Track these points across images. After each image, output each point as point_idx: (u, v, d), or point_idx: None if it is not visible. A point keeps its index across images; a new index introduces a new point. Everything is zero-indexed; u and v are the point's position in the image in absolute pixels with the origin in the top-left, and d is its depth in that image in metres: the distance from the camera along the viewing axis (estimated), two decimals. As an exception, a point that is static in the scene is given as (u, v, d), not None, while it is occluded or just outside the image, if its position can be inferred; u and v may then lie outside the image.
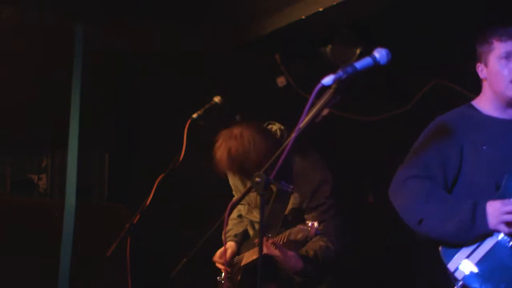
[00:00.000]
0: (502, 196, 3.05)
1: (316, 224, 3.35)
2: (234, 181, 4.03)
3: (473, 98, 3.42)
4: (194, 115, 3.75)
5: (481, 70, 3.29)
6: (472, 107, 3.36)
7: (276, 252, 3.46)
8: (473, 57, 3.35)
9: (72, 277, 4.71)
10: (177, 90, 5.57)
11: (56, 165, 5.19)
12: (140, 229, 3.70)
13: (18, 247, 4.75)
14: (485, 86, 3.32)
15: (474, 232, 3.02)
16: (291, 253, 3.49)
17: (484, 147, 3.18)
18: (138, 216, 3.68)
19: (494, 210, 3.00)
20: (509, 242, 3.01)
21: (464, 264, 3.03)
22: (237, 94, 5.02)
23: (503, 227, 2.99)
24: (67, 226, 4.71)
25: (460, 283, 3.02)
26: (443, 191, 3.22)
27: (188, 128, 3.70)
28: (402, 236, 6.04)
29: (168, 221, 5.37)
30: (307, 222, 3.39)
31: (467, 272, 3.01)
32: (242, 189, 3.91)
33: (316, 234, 3.38)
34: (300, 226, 3.40)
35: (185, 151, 3.65)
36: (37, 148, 5.21)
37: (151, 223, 4.15)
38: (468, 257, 3.04)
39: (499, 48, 3.19)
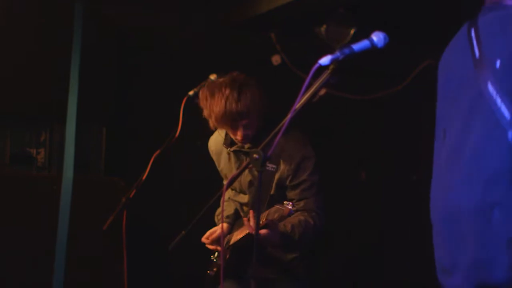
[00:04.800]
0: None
1: (290, 205, 3.35)
2: (220, 166, 4.04)
3: None
4: (191, 92, 3.77)
5: None
6: None
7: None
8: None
9: (69, 249, 4.77)
10: (175, 66, 5.62)
11: (54, 140, 5.24)
12: (136, 204, 3.77)
13: (16, 219, 4.83)
14: None
15: None
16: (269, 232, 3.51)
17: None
18: (134, 191, 3.74)
19: None
20: None
21: None
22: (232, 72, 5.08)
23: None
24: (64, 199, 4.76)
25: None
26: None
27: (184, 105, 3.74)
28: (396, 214, 6.17)
29: (164, 196, 5.44)
30: (284, 202, 3.41)
31: None
32: (228, 174, 3.91)
33: (289, 214, 3.39)
34: (276, 206, 3.42)
35: (181, 127, 3.70)
36: (37, 122, 5.26)
37: (147, 197, 4.22)
38: None
39: None
